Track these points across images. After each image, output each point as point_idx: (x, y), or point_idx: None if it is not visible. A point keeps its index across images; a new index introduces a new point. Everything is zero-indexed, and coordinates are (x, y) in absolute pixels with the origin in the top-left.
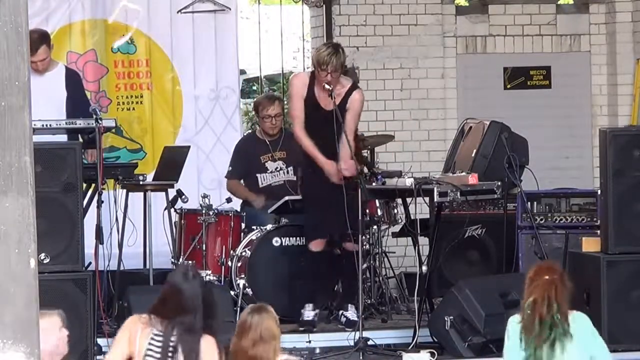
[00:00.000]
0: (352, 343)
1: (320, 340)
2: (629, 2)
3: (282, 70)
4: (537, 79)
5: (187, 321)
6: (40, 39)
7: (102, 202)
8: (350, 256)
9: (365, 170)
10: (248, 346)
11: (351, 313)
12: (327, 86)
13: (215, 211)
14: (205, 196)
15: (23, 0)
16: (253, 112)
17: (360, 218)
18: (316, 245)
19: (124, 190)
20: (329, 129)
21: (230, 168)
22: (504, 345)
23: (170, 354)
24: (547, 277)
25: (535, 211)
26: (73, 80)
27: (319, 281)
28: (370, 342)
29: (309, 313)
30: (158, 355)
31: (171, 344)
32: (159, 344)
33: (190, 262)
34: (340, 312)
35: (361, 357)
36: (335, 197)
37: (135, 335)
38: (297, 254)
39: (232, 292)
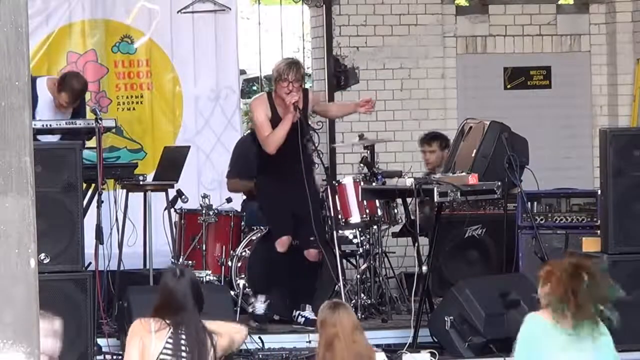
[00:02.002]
0: None
1: None
2: (629, 2)
3: None
4: (537, 79)
5: (186, 318)
6: (83, 90)
7: (102, 202)
8: (315, 263)
9: (365, 170)
10: (350, 339)
11: (308, 312)
12: (290, 99)
13: (215, 211)
14: (205, 196)
15: (23, 0)
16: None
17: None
18: (282, 245)
19: (124, 190)
20: (295, 142)
21: (229, 168)
22: (523, 345)
23: (183, 353)
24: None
25: (535, 211)
26: (82, 107)
27: (318, 281)
28: None
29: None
30: (172, 356)
31: (182, 342)
32: (171, 345)
33: (179, 263)
34: (297, 312)
35: None
36: (297, 204)
37: (149, 339)
38: (297, 254)
39: (232, 292)
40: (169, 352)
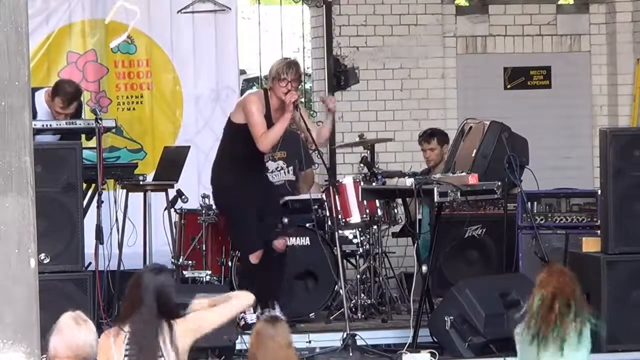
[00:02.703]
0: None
1: (320, 340)
2: (629, 2)
3: None
4: (537, 79)
5: (142, 312)
6: (76, 93)
7: (102, 202)
8: (281, 256)
9: (365, 170)
10: (278, 352)
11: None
12: (290, 98)
13: (215, 211)
14: (205, 196)
15: (23, 0)
16: None
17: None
18: (257, 257)
19: (124, 190)
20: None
21: None
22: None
23: (139, 348)
24: (562, 276)
25: (535, 211)
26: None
27: (318, 281)
28: (359, 341)
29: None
30: (132, 352)
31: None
32: (129, 343)
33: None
34: (266, 309)
35: (351, 354)
36: (261, 200)
37: (109, 349)
38: (297, 254)
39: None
40: (130, 350)
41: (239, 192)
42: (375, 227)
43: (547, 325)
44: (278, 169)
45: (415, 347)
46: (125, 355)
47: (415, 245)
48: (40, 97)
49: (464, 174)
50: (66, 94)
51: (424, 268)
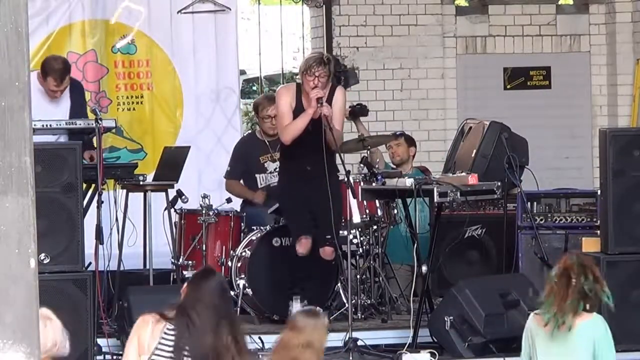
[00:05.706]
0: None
1: None
2: (629, 2)
3: (282, 71)
4: (537, 79)
5: (198, 320)
6: (66, 68)
7: (102, 202)
8: (326, 262)
9: (365, 170)
10: (297, 347)
11: None
12: (315, 94)
13: (215, 211)
14: (205, 196)
15: (23, 0)
16: (253, 113)
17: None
18: (302, 246)
19: (124, 191)
20: (316, 139)
21: (229, 168)
22: (524, 344)
23: (182, 352)
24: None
25: (535, 211)
26: (77, 89)
27: (318, 281)
28: (360, 343)
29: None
30: (169, 350)
31: (183, 342)
32: (171, 340)
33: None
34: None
35: (351, 358)
36: (315, 202)
37: (145, 334)
38: (297, 254)
39: (232, 292)
40: (167, 347)
41: (288, 186)
42: (375, 227)
43: (563, 299)
44: (277, 169)
45: (415, 347)
46: (160, 344)
47: (415, 245)
48: (32, 78)
49: (463, 174)
50: (56, 71)
51: (424, 268)
